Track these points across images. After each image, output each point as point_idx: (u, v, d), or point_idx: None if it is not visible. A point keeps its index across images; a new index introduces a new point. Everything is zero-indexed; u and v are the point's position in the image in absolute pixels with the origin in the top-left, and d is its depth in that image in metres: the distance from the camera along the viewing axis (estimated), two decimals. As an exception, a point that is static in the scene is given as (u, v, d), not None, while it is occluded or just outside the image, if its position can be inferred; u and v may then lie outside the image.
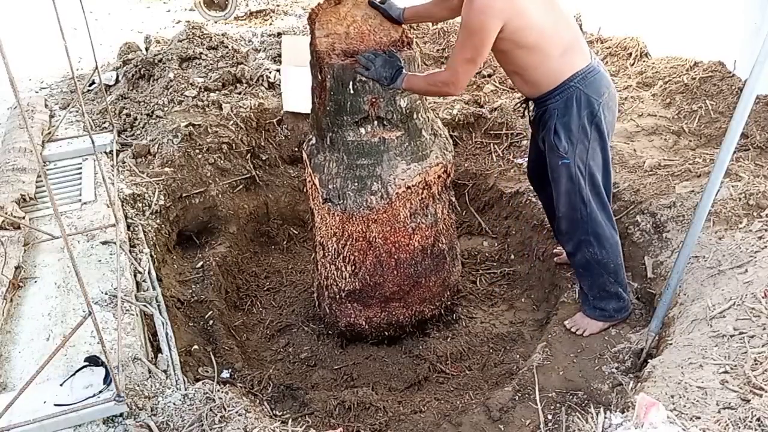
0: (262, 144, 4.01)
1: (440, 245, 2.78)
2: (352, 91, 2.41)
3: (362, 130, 2.49)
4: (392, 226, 2.60)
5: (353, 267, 2.71)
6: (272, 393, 2.70)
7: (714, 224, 2.64)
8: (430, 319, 3.00)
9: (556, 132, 2.36)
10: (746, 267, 2.35)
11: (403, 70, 2.35)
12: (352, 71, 2.38)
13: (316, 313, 3.15)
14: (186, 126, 3.73)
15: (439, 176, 2.64)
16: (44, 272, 2.65)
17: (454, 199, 2.84)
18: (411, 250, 2.69)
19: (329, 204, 2.59)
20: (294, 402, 2.68)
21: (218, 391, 2.11)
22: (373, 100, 2.43)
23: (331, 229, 2.66)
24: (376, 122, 2.49)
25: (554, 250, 3.22)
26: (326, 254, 2.76)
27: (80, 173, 3.44)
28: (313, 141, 2.69)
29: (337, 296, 2.83)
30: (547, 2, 2.24)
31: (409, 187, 2.55)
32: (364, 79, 2.38)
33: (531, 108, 2.54)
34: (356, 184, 2.54)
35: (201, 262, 3.37)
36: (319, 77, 2.46)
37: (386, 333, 2.94)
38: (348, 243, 2.65)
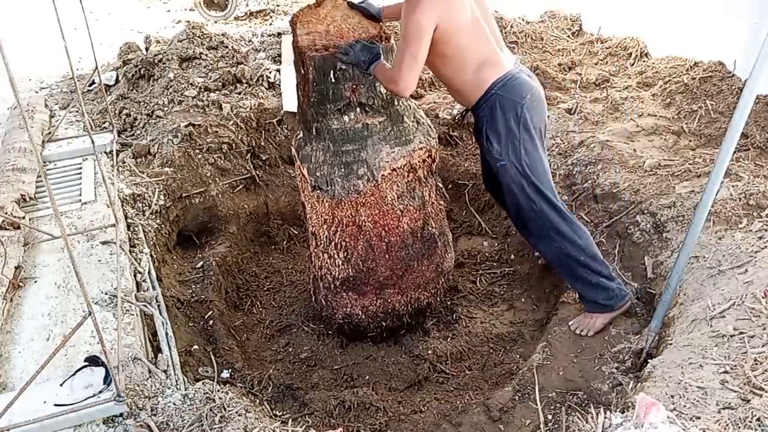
0: (262, 144, 4.01)
1: (430, 229, 2.82)
2: (333, 80, 2.49)
3: (346, 118, 2.57)
4: (380, 208, 2.65)
5: (345, 253, 2.74)
6: (272, 393, 2.70)
7: (714, 224, 2.64)
8: (427, 307, 3.00)
9: (488, 137, 2.54)
10: (746, 267, 2.35)
11: (381, 57, 2.44)
12: (332, 61, 2.46)
13: (316, 313, 3.15)
14: (186, 126, 3.73)
15: (423, 160, 2.69)
16: (44, 272, 2.65)
17: (441, 185, 2.88)
18: (401, 232, 2.73)
19: (318, 191, 2.63)
20: (294, 402, 2.68)
21: (218, 391, 2.11)
22: (354, 86, 2.51)
23: (322, 216, 2.70)
24: (358, 109, 2.57)
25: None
26: (318, 243, 2.79)
27: (80, 173, 3.44)
28: (301, 135, 2.76)
29: (332, 286, 2.85)
30: (473, 17, 2.40)
31: (394, 170, 2.61)
32: (344, 67, 2.47)
33: (470, 117, 2.73)
34: (343, 169, 2.59)
35: (201, 262, 3.37)
36: (302, 71, 2.55)
37: (384, 323, 2.93)
38: (339, 229, 2.69)
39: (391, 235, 2.72)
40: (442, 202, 2.90)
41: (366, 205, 2.63)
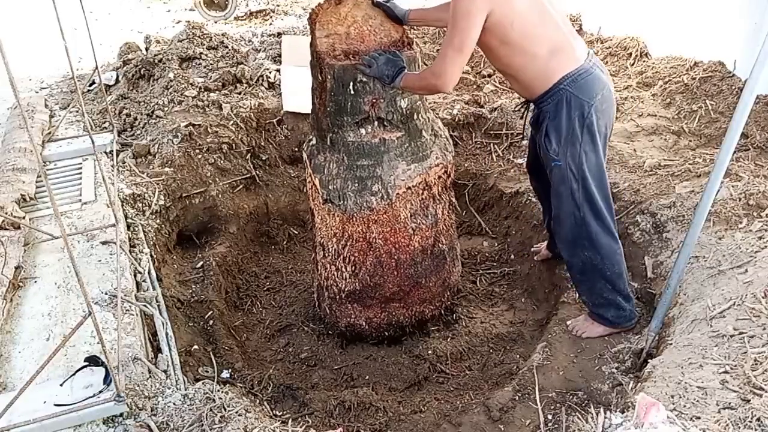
0: (262, 144, 4.01)
1: (440, 246, 2.78)
2: (352, 92, 2.41)
3: (363, 131, 2.49)
4: (392, 226, 2.60)
5: (353, 267, 2.71)
6: (272, 393, 2.70)
7: (714, 224, 2.64)
8: (430, 319, 3.00)
9: (547, 134, 2.36)
10: (746, 267, 2.35)
11: (405, 70, 2.35)
12: (352, 72, 2.37)
13: (316, 313, 3.15)
14: (186, 126, 3.73)
15: (439, 177, 2.64)
16: (44, 272, 2.65)
17: (454, 199, 2.84)
18: (411, 250, 2.69)
19: (330, 205, 2.59)
20: (294, 402, 2.68)
21: (218, 391, 2.11)
22: (374, 100, 2.42)
23: (332, 229, 2.66)
24: (376, 123, 2.49)
25: (532, 249, 3.26)
26: (326, 255, 2.76)
27: (80, 173, 3.44)
28: (314, 141, 2.69)
29: (337, 297, 2.83)
30: (535, 2, 2.24)
31: (409, 188, 2.55)
32: (364, 79, 2.38)
33: (531, 109, 2.55)
34: (357, 184, 2.53)
35: (201, 262, 3.37)
36: (320, 78, 2.46)
37: (386, 333, 2.94)
38: (348, 243, 2.65)
39: (401, 252, 2.67)
40: (453, 217, 2.85)
41: (378, 223, 2.58)
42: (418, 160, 2.56)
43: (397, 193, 2.53)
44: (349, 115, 2.46)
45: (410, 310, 2.88)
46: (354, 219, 2.58)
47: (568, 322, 2.70)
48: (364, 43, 2.48)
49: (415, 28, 4.83)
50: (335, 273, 2.77)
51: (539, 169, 2.65)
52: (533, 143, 2.67)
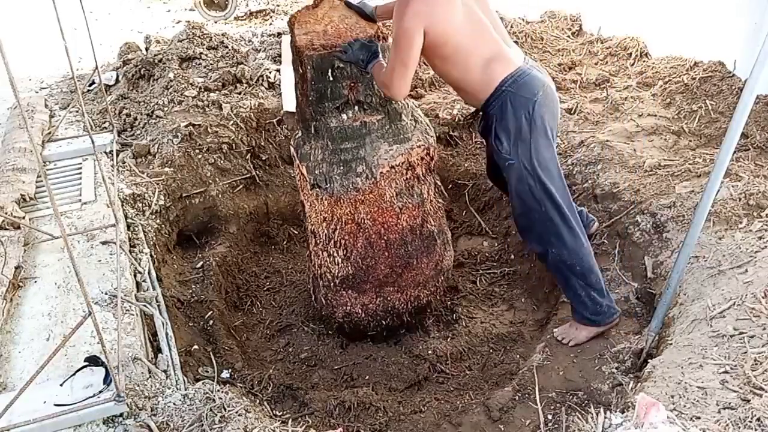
0: (262, 144, 4.01)
1: (429, 226, 2.82)
2: (331, 78, 2.53)
3: (344, 116, 2.60)
4: (379, 206, 2.67)
5: (345, 251, 2.75)
6: (272, 393, 2.70)
7: (714, 224, 2.64)
8: (427, 305, 3.00)
9: (497, 136, 2.48)
10: (746, 267, 2.35)
11: (379, 55, 2.45)
12: (330, 60, 2.49)
13: (316, 312, 3.15)
14: (186, 126, 3.73)
15: (422, 158, 2.70)
16: (44, 272, 2.65)
17: (440, 183, 2.89)
18: (400, 230, 2.74)
19: (317, 189, 2.65)
20: (294, 402, 2.68)
21: (218, 391, 2.11)
22: (352, 84, 2.54)
23: (321, 214, 2.71)
24: (356, 107, 2.60)
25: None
26: (318, 242, 2.81)
27: (80, 173, 3.44)
28: (300, 134, 2.78)
29: (331, 284, 2.85)
30: (470, 15, 2.36)
31: (392, 167, 2.62)
32: (341, 65, 2.49)
33: (481, 118, 2.65)
34: (342, 167, 2.61)
35: (201, 262, 3.37)
36: (300, 70, 2.57)
37: (384, 322, 2.94)
38: (338, 227, 2.71)
39: (390, 232, 2.73)
40: (440, 201, 2.90)
41: (365, 203, 2.65)
42: (399, 141, 2.65)
43: (381, 172, 2.60)
44: (329, 100, 2.57)
45: (405, 294, 2.89)
46: (341, 201, 2.64)
47: (555, 331, 2.70)
48: (341, 39, 2.58)
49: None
50: (327, 259, 2.80)
51: (499, 175, 2.74)
52: (488, 152, 2.80)
